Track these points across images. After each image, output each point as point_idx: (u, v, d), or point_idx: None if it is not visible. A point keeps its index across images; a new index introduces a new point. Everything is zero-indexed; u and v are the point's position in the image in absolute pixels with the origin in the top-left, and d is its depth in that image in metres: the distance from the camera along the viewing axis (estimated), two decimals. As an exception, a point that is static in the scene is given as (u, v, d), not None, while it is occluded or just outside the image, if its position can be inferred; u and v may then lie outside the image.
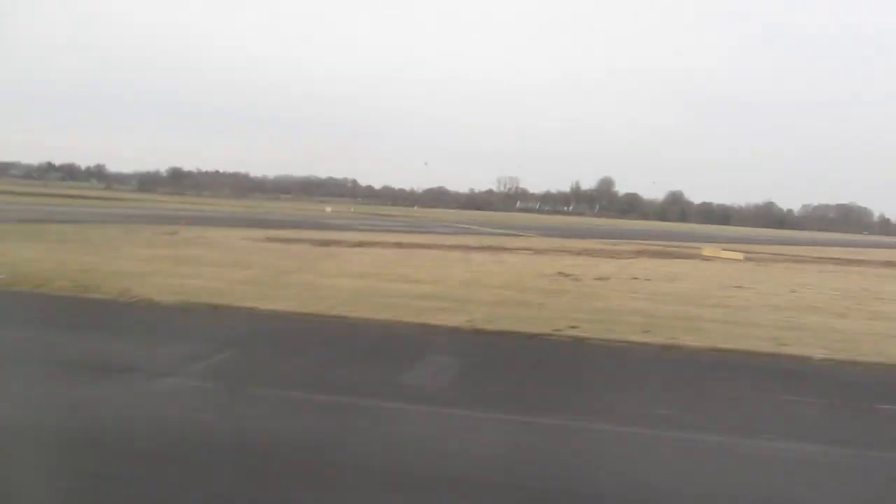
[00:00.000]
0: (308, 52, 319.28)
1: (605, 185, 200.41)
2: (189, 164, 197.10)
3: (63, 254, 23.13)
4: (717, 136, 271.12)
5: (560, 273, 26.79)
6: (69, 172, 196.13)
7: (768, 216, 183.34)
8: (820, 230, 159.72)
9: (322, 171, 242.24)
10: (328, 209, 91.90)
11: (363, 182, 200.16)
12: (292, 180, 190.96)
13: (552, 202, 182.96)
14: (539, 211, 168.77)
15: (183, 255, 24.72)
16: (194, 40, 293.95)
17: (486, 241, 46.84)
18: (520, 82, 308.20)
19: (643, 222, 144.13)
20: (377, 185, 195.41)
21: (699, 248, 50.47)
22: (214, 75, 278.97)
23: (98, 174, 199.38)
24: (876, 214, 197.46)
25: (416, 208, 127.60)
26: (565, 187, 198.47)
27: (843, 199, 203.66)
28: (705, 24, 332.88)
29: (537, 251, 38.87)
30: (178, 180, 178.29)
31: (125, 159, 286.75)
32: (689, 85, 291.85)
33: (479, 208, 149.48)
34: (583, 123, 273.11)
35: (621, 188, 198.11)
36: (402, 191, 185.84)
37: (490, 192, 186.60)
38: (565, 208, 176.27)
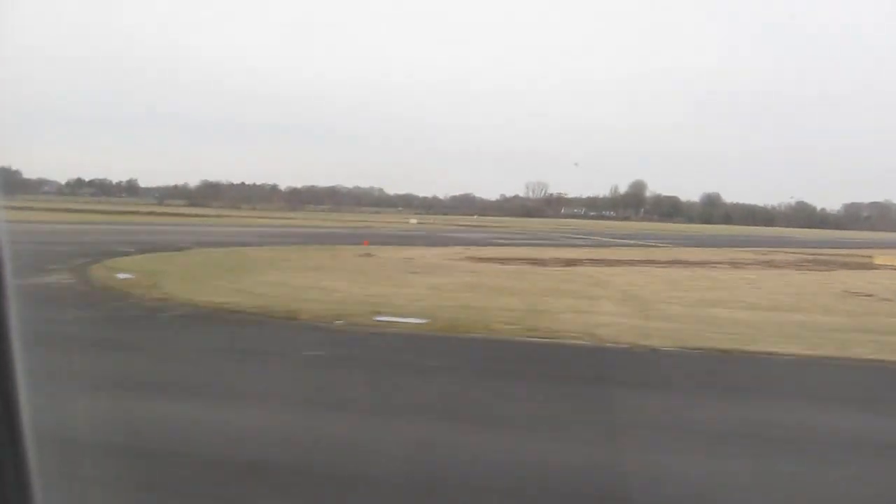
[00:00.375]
0: (326, 63, 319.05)
1: (638, 189, 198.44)
2: (212, 177, 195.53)
3: (364, 286, 21.56)
4: (737, 134, 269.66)
5: (847, 292, 25.29)
6: (101, 188, 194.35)
7: (810, 216, 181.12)
8: (862, 229, 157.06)
9: (345, 180, 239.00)
10: (412, 220, 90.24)
11: (389, 191, 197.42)
12: (320, 191, 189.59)
13: (591, 207, 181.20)
14: (584, 217, 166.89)
15: (492, 285, 23.03)
16: (206, 56, 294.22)
17: (656, 254, 45.44)
18: (542, 84, 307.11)
19: (697, 226, 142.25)
20: (401, 193, 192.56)
21: (861, 255, 49.33)
22: (230, 90, 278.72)
23: (129, 189, 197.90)
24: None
25: (475, 217, 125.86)
26: (591, 191, 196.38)
27: (877, 197, 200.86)
28: (712, 23, 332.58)
29: (734, 264, 37.32)
30: (215, 193, 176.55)
31: (146, 173, 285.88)
32: (707, 83, 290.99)
33: (528, 215, 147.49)
34: (604, 127, 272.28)
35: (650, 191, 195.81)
36: (425, 199, 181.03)
37: (517, 196, 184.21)
38: (609, 213, 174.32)
